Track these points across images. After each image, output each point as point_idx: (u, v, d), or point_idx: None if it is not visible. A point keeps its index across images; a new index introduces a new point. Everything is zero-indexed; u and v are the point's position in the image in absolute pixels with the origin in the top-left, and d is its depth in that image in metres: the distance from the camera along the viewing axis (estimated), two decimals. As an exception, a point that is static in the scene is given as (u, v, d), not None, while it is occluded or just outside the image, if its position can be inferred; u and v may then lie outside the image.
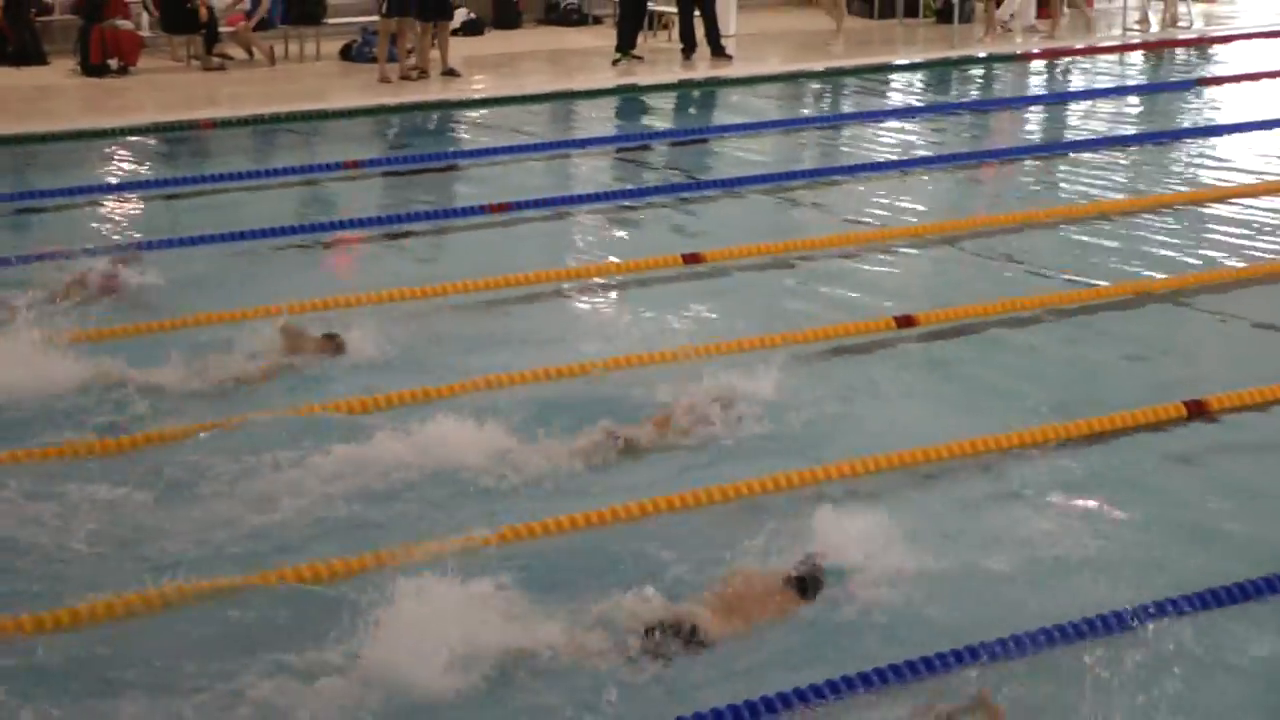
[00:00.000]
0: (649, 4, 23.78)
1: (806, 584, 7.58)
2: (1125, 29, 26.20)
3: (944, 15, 26.13)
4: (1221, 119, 20.19)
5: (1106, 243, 14.48)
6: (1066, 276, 13.32)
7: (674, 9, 23.77)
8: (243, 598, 7.59)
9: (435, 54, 21.89)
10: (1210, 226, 15.12)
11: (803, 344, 11.40)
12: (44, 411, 9.82)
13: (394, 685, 6.83)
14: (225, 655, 7.12)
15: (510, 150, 18.07)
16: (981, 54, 24.44)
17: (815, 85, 22.46)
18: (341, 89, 21.18)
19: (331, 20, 23.03)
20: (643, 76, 22.28)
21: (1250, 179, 16.98)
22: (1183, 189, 16.65)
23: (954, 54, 24.24)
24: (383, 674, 6.87)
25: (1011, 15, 26.18)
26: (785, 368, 10.48)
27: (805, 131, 19.73)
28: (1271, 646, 7.57)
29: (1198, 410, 10.35)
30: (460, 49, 22.89)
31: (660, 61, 23.25)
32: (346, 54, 22.90)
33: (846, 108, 21.24)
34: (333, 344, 10.86)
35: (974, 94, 22.61)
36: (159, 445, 9.39)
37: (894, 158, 18.14)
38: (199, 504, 8.65)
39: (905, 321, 11.95)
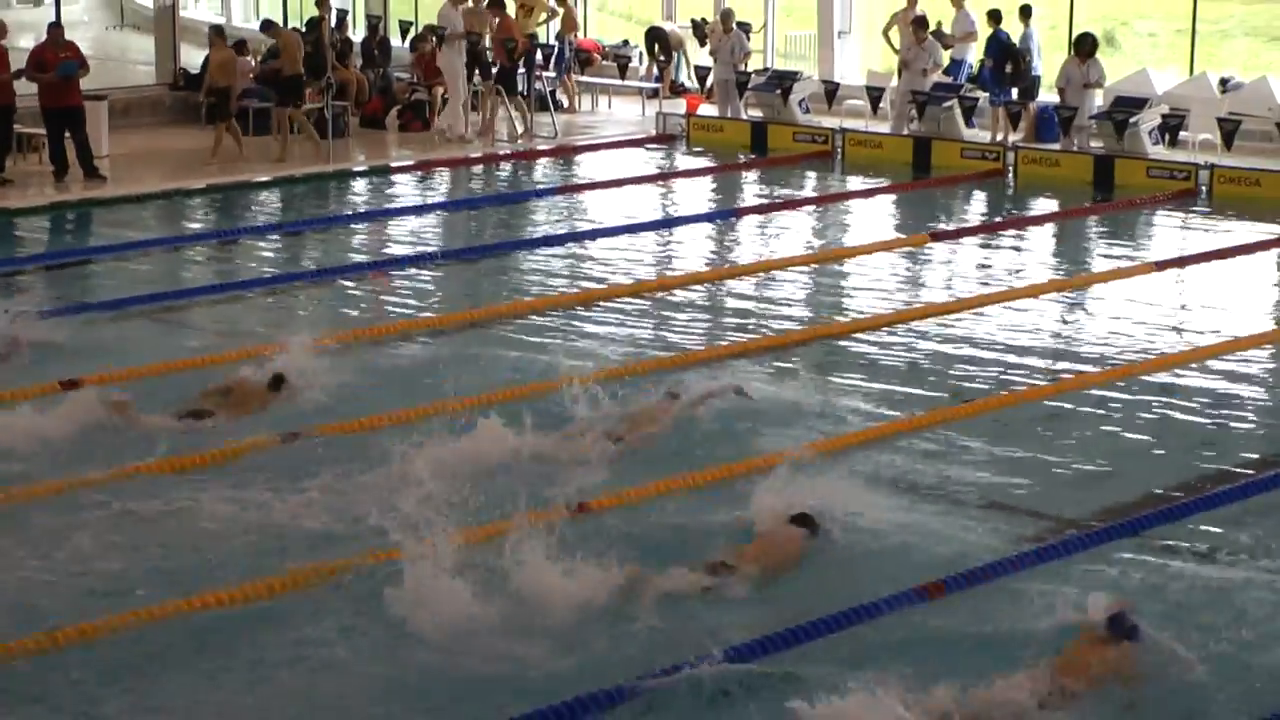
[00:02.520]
0: (16, 126, 23.10)
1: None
2: (493, 140, 27.06)
3: (319, 129, 26.39)
4: (588, 224, 21.16)
5: (496, 352, 14.94)
6: (452, 381, 13.68)
7: (43, 131, 23.18)
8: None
9: None
10: (584, 327, 15.85)
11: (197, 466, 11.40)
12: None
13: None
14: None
15: None
16: (357, 168, 24.83)
17: (193, 203, 22.32)
18: None
19: None
20: (13, 200, 21.61)
21: (622, 279, 17.88)
22: (556, 292, 17.36)
23: (330, 168, 24.52)
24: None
25: (449, 126, 26.77)
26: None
27: (185, 250, 19.61)
28: None
29: (581, 510, 10.86)
30: None
31: (31, 184, 22.62)
32: None
33: (225, 224, 21.17)
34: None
35: (352, 206, 22.91)
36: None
37: (275, 272, 18.24)
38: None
39: (291, 437, 12.09)
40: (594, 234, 20.39)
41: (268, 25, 27.46)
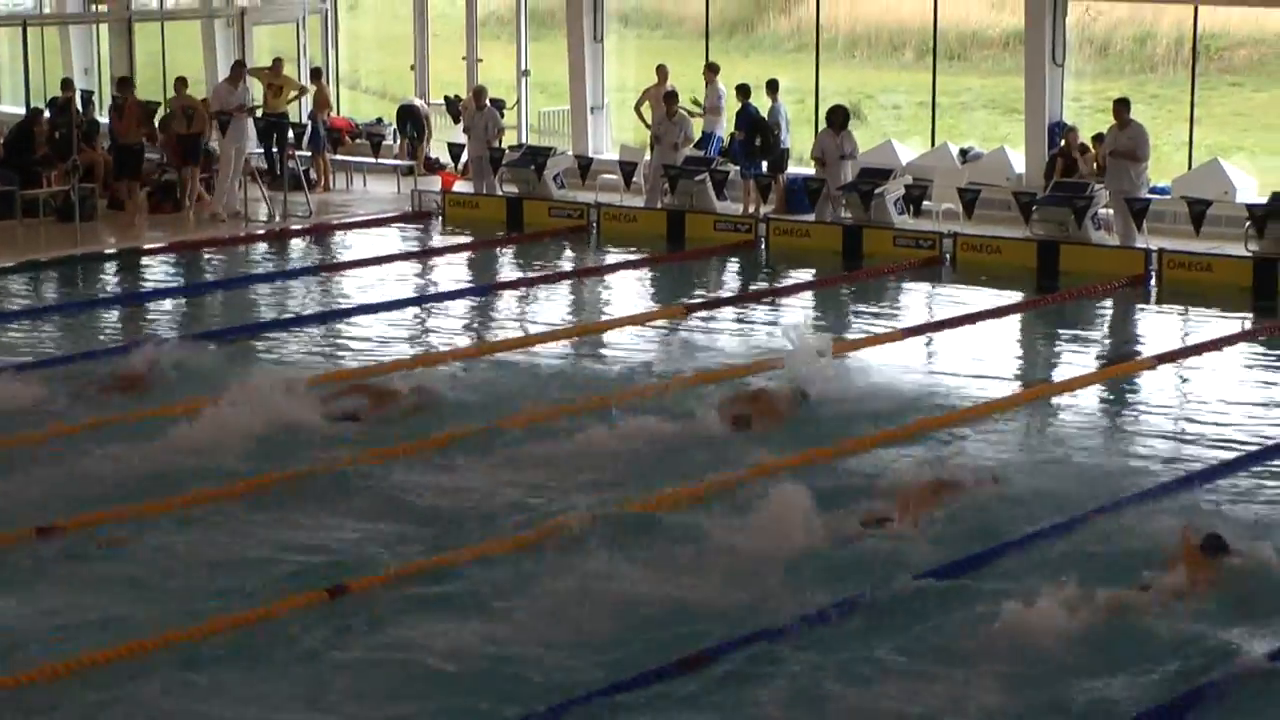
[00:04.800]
0: None
1: None
2: (246, 219, 26.78)
3: (65, 213, 25.85)
4: (345, 302, 21.02)
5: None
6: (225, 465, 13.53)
7: None
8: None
9: None
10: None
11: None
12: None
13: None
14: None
15: None
16: (106, 250, 24.40)
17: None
18: None
19: None
20: None
21: (373, 360, 17.78)
22: (311, 372, 17.18)
23: (79, 251, 24.06)
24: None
25: (223, 208, 26.44)
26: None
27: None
28: None
29: (339, 592, 10.74)
30: None
31: None
32: None
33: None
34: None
35: (105, 289, 22.49)
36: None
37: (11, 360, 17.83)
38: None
39: (46, 532, 11.83)
40: (348, 313, 20.27)
41: None
